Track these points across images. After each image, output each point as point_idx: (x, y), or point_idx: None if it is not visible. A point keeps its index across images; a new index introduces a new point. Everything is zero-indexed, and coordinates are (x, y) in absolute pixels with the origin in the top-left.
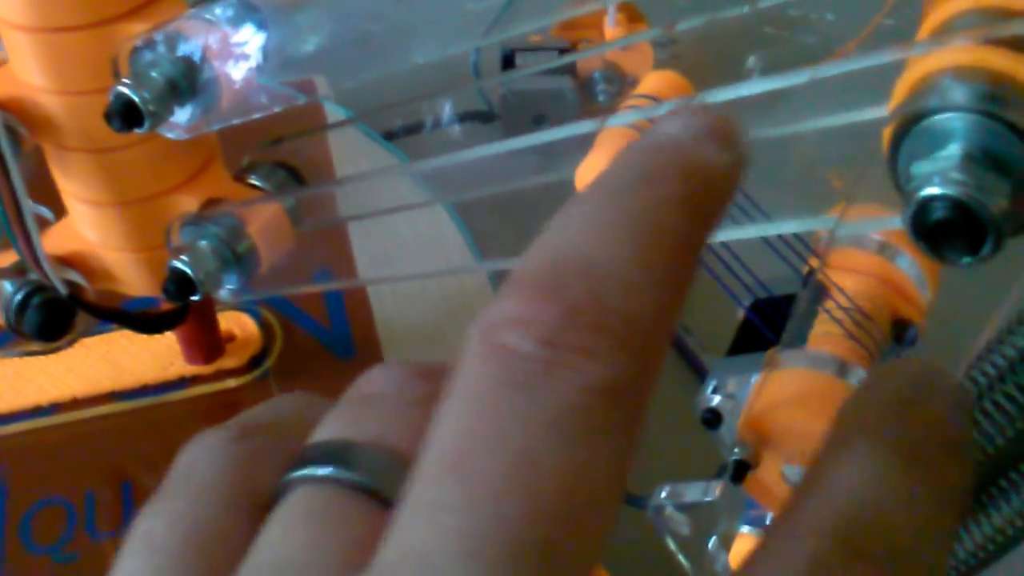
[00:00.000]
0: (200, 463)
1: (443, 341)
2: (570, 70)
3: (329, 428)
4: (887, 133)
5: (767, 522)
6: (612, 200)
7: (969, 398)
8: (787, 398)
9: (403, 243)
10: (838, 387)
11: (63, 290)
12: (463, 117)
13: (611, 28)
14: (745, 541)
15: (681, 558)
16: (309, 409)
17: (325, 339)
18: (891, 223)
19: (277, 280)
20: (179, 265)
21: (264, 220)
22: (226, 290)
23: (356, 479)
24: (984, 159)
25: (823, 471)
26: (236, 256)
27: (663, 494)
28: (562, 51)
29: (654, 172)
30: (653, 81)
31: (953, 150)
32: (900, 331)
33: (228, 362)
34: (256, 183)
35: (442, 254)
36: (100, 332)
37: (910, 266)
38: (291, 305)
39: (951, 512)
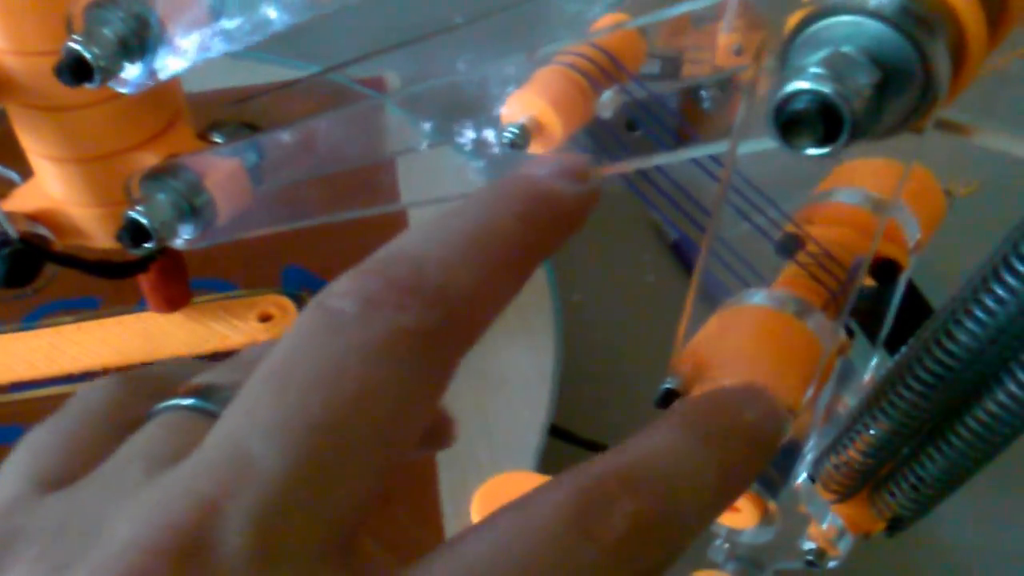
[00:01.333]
0: (90, 394)
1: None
2: (673, 74)
3: (201, 376)
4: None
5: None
6: (457, 213)
7: (782, 415)
8: (727, 328)
9: None
10: (782, 320)
11: (15, 236)
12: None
13: (726, 36)
14: None
15: None
16: (196, 368)
17: None
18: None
19: (235, 228)
20: (134, 215)
21: (222, 175)
22: (182, 240)
23: (209, 407)
24: (860, 58)
25: (630, 439)
26: (193, 209)
27: None
28: (664, 62)
29: (501, 192)
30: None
31: (827, 49)
32: (882, 275)
33: (261, 338)
34: (219, 142)
35: None
36: (137, 310)
37: (898, 210)
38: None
39: (731, 490)
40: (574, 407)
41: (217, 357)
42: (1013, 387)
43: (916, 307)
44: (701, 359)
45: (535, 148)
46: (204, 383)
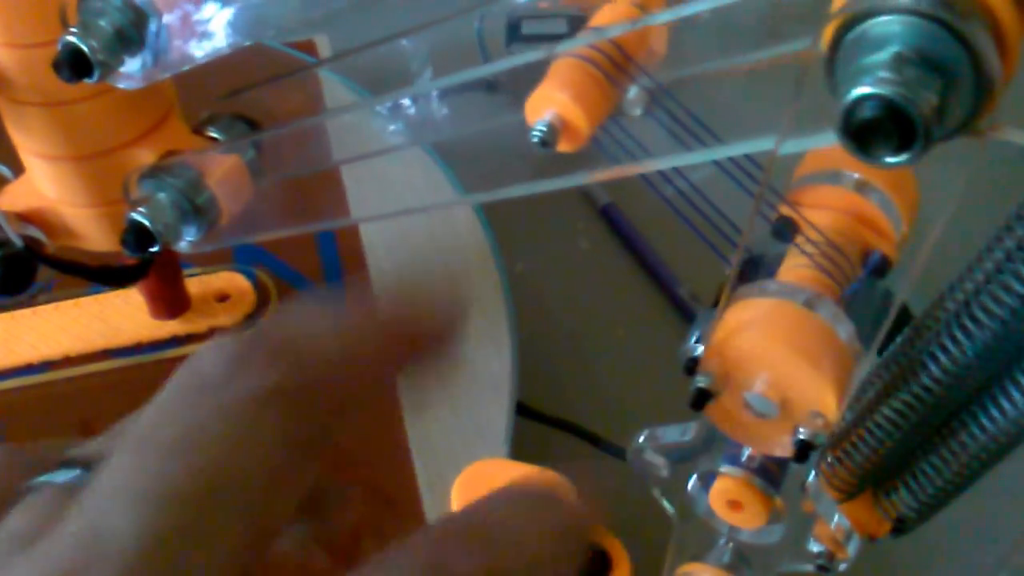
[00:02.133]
0: None
1: None
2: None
3: (77, 449)
4: (826, 36)
5: (744, 460)
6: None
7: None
8: (751, 324)
9: (400, 197)
10: (801, 314)
11: (18, 243)
12: (468, 88)
13: None
14: (724, 480)
15: (664, 503)
16: (76, 443)
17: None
18: (831, 137)
19: (238, 230)
20: (137, 217)
21: (223, 171)
22: (186, 242)
23: (80, 483)
24: (916, 59)
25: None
26: (195, 208)
27: (641, 438)
28: (571, 19)
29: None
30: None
31: (886, 52)
32: (875, 271)
33: (223, 320)
34: (215, 135)
35: (442, 213)
36: (94, 293)
37: (883, 202)
38: (286, 267)
39: (565, 545)
40: (534, 381)
41: (177, 341)
42: (1018, 393)
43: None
44: (728, 358)
45: (563, 145)
46: (79, 455)
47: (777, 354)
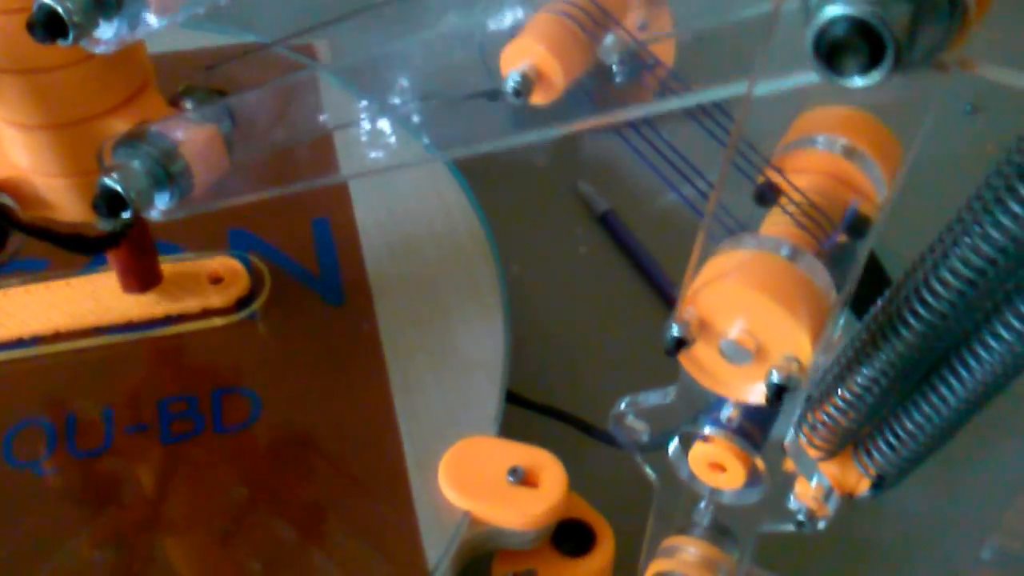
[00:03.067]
0: None
1: (435, 292)
2: None
3: None
4: None
5: (724, 420)
6: None
7: None
8: (727, 272)
9: (399, 188)
10: (777, 262)
11: None
12: (470, 96)
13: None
14: (705, 442)
15: (646, 469)
16: None
17: (314, 286)
18: (808, 77)
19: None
20: (110, 182)
21: (198, 141)
22: (158, 211)
23: None
24: None
25: None
26: (169, 176)
27: (623, 404)
28: None
29: None
30: None
31: None
32: (855, 230)
33: (215, 301)
34: (188, 106)
35: (439, 199)
36: (87, 272)
37: (865, 164)
38: (280, 253)
39: None
40: (527, 374)
41: (169, 320)
42: (994, 343)
43: (875, 275)
44: (705, 306)
45: (537, 97)
46: None
47: (753, 300)
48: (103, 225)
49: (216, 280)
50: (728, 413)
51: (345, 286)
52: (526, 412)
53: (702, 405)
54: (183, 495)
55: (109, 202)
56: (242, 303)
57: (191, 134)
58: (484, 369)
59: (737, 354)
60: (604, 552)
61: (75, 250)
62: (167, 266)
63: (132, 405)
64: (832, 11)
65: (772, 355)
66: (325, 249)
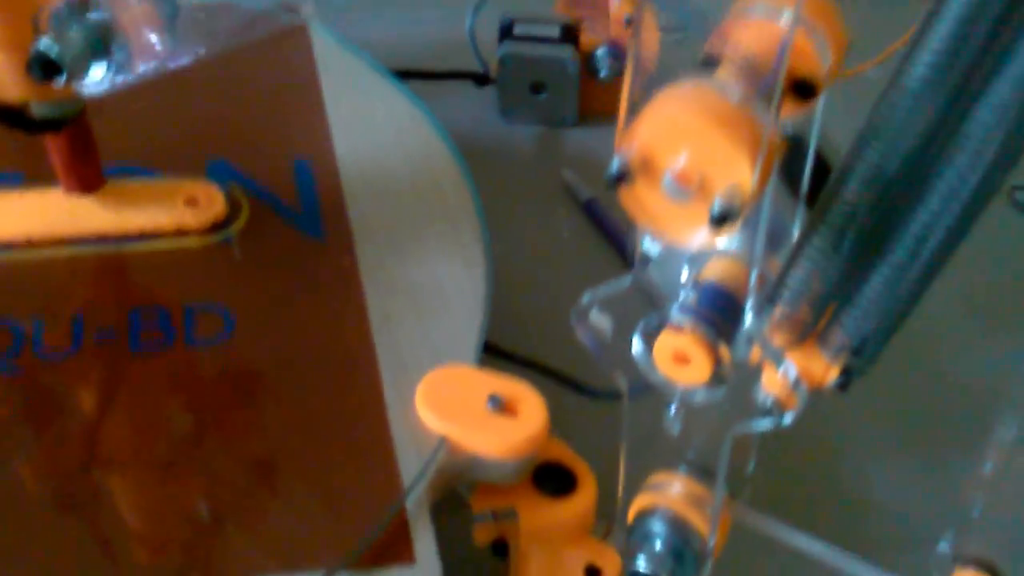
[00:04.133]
0: None
1: (417, 234)
2: (573, 42)
3: None
4: None
5: (686, 306)
6: None
7: None
8: (669, 103)
9: (382, 136)
10: (718, 94)
11: None
12: (458, 76)
13: (617, 7)
14: (668, 333)
15: (617, 377)
16: None
17: (293, 218)
18: None
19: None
20: (44, 45)
21: (139, 19)
22: (93, 83)
23: None
24: None
25: None
26: (106, 48)
27: (585, 298)
28: (563, 28)
29: None
30: None
31: None
32: (802, 91)
33: (189, 221)
34: None
35: (423, 154)
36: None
37: (810, 29)
38: (259, 186)
39: None
40: (507, 336)
41: (144, 237)
42: (935, 199)
43: (824, 173)
44: (647, 139)
45: None
46: None
47: (694, 127)
48: (41, 109)
49: (192, 202)
50: (689, 298)
51: (325, 222)
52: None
53: (658, 292)
54: (150, 403)
55: (43, 65)
56: (218, 227)
57: (133, 10)
58: (464, 308)
59: (679, 192)
60: (586, 494)
61: (16, 126)
62: (143, 185)
63: (102, 313)
64: None
65: (715, 189)
66: (306, 187)
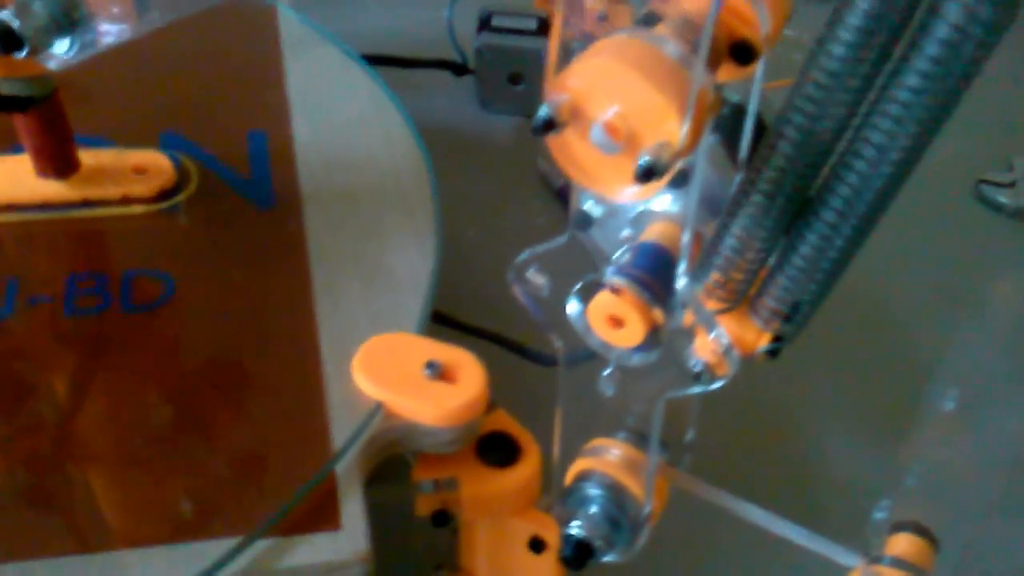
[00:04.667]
0: None
1: (368, 207)
2: (548, 33)
3: None
4: None
5: (625, 274)
6: None
7: None
8: (600, 53)
9: (341, 113)
10: (650, 46)
11: None
12: (436, 65)
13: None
14: (603, 294)
15: (546, 324)
16: None
17: (243, 187)
18: None
19: None
20: (6, 16)
21: None
22: (54, 58)
23: None
24: None
25: None
26: (71, 21)
27: (523, 256)
28: (540, 21)
29: None
30: None
31: None
32: (739, 53)
33: (136, 190)
34: None
35: (383, 134)
36: (12, 154)
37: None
38: (211, 156)
39: None
40: (459, 299)
41: (88, 204)
42: (861, 164)
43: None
44: (577, 88)
45: None
46: None
47: (625, 78)
48: (8, 86)
49: (140, 172)
50: (625, 259)
51: (276, 193)
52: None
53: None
54: (77, 366)
55: (5, 38)
56: (166, 196)
57: None
58: (411, 281)
59: (607, 144)
60: (529, 464)
61: None
62: (91, 154)
63: (39, 278)
64: None
65: (643, 143)
66: (258, 158)
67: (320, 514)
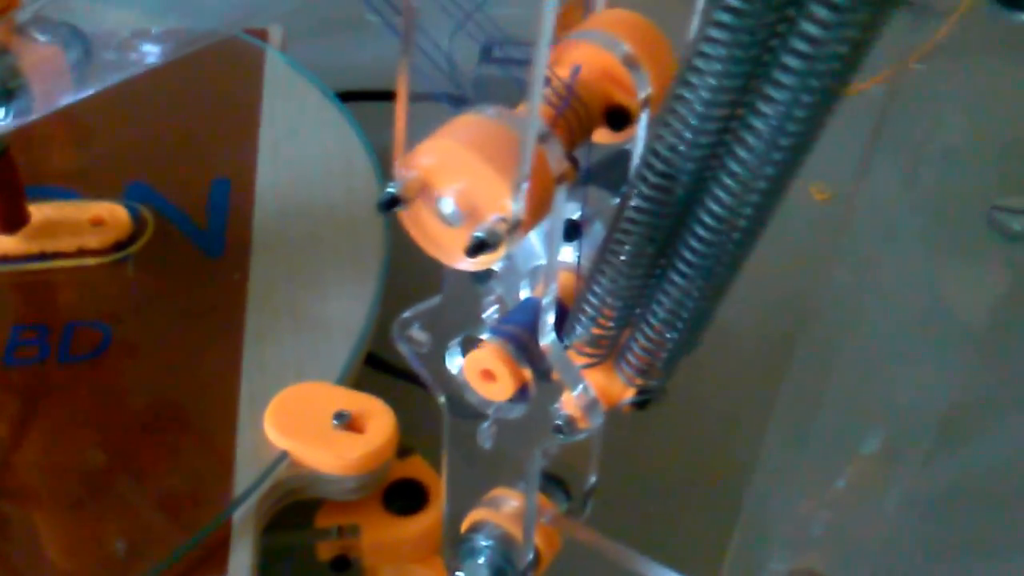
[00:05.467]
0: None
1: (316, 255)
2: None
3: None
4: None
5: (496, 327)
6: None
7: None
8: (446, 133)
9: (310, 161)
10: (498, 127)
11: None
12: (434, 97)
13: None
14: (478, 349)
15: (425, 375)
16: None
17: (196, 237)
18: None
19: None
20: None
21: (40, 63)
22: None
23: None
24: None
25: None
26: (7, 91)
27: (407, 313)
28: None
29: None
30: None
31: None
32: (613, 120)
33: (91, 242)
34: (39, 37)
35: (347, 174)
36: None
37: (630, 60)
38: (171, 206)
39: None
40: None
41: (44, 256)
42: (706, 217)
43: None
44: (423, 165)
45: None
46: None
47: (465, 159)
48: None
49: (97, 223)
50: (495, 316)
51: (228, 241)
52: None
53: (472, 309)
54: (14, 415)
55: None
56: (120, 247)
57: (34, 55)
58: (344, 329)
59: (452, 216)
60: (433, 513)
61: None
62: (51, 207)
63: None
64: None
65: (482, 217)
66: (218, 207)
67: (209, 561)
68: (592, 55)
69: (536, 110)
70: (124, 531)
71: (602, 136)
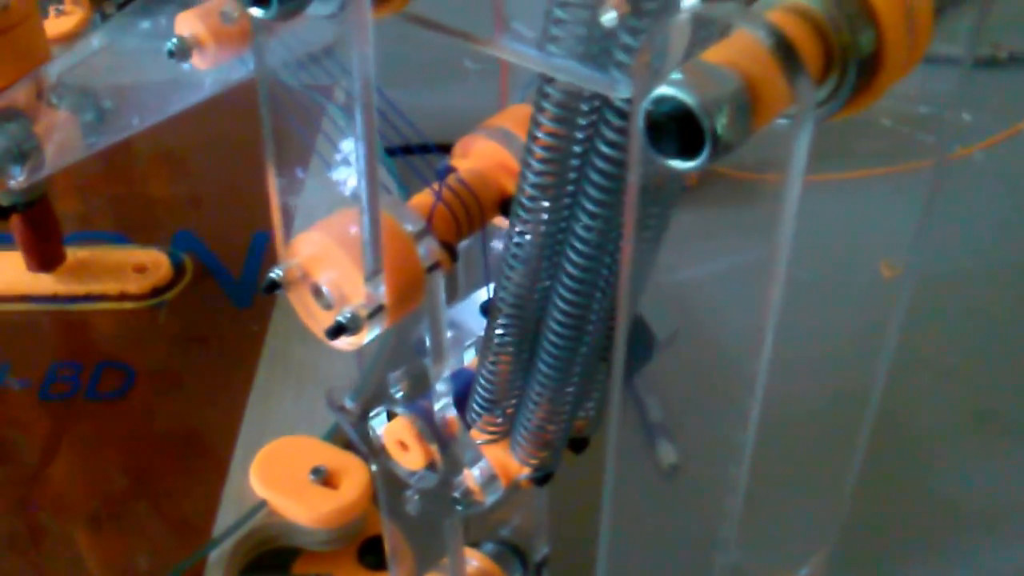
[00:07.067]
0: None
1: None
2: None
3: None
4: None
5: (414, 406)
6: None
7: None
8: (320, 227)
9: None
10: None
11: None
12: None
13: None
14: (396, 421)
15: (359, 443)
16: None
17: (229, 287)
18: None
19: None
20: None
21: (53, 125)
22: (15, 180)
23: None
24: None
25: None
26: (22, 153)
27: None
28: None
29: None
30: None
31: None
32: (506, 210)
33: (131, 287)
34: (55, 102)
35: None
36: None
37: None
38: (212, 255)
39: None
40: None
41: (91, 298)
42: (553, 318)
43: None
44: (301, 254)
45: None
46: None
47: (332, 252)
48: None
49: (140, 270)
50: (402, 392)
51: (256, 293)
52: None
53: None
54: (32, 444)
55: None
56: (158, 292)
57: (49, 120)
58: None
59: (327, 299)
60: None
61: None
62: (101, 252)
63: (27, 363)
64: (661, 91)
65: (348, 303)
66: (253, 259)
67: None
68: (489, 150)
69: (368, 208)
70: (106, 561)
71: (503, 223)
